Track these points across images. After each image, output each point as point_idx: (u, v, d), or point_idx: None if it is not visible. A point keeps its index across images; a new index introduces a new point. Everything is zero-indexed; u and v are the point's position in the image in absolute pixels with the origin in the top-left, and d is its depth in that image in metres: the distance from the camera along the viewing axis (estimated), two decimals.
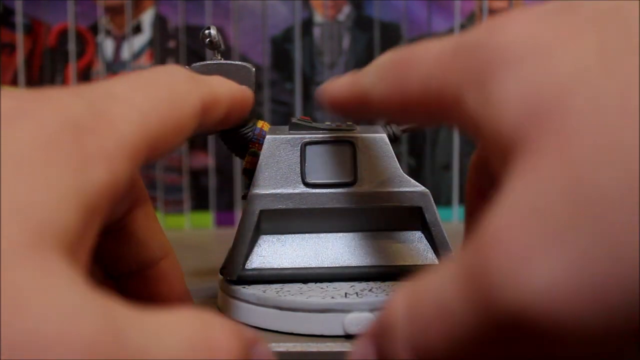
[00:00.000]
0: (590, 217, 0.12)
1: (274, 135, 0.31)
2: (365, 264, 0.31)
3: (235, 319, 0.30)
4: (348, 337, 0.27)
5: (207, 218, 0.54)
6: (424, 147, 0.55)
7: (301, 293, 0.29)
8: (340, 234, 0.32)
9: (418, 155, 0.55)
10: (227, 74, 0.31)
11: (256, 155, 0.31)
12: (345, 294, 0.29)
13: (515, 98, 0.15)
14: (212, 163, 0.54)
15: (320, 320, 0.28)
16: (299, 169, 0.31)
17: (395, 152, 0.32)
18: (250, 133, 0.31)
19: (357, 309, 0.28)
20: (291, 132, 0.31)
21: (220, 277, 0.31)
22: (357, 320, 0.27)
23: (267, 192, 0.30)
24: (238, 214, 0.55)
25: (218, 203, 0.55)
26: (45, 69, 0.53)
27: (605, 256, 0.12)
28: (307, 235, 0.31)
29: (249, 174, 0.32)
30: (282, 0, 0.54)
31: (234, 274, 0.30)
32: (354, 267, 0.31)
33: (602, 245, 0.12)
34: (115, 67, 0.54)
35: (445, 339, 0.15)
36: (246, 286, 0.30)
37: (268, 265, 0.30)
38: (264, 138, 0.31)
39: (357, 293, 0.29)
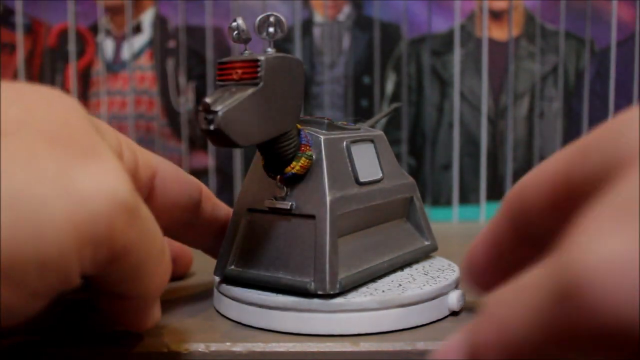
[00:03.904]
0: None
1: (328, 136, 0.30)
2: (393, 256, 0.32)
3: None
4: (347, 336, 0.27)
5: None
6: (424, 147, 0.55)
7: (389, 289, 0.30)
8: (363, 231, 0.32)
9: (418, 155, 0.55)
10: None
11: (312, 158, 0.29)
12: (399, 284, 0.30)
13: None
14: (212, 163, 0.54)
15: (430, 308, 0.29)
16: (350, 169, 0.30)
17: (395, 152, 0.32)
18: (294, 139, 0.29)
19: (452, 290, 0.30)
20: (330, 132, 0.30)
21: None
22: (458, 297, 0.30)
23: (338, 196, 0.29)
24: None
25: None
26: (45, 69, 0.53)
27: None
28: (349, 235, 0.31)
29: (295, 179, 0.29)
30: (282, 0, 0.54)
31: (334, 287, 0.28)
32: (396, 256, 0.32)
33: None
34: (115, 67, 0.54)
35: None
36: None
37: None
38: (310, 140, 0.29)
39: (410, 280, 0.30)
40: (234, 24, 0.29)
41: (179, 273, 0.36)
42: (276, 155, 0.29)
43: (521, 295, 0.17)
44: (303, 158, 0.29)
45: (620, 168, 0.18)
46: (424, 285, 0.30)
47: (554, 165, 0.21)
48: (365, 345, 0.26)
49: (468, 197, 0.55)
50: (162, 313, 0.31)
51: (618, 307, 0.14)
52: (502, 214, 0.24)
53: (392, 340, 0.27)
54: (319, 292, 0.28)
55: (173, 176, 0.29)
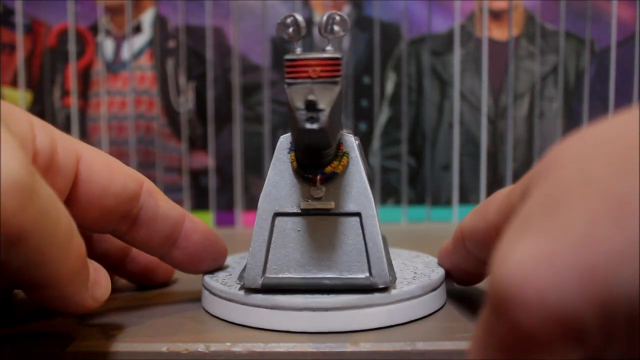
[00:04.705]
0: (554, 217, 0.17)
1: (353, 135, 0.30)
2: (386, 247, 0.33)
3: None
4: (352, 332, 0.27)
5: (207, 218, 0.54)
6: (424, 147, 0.55)
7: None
8: None
9: (418, 155, 0.55)
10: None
11: (350, 157, 0.29)
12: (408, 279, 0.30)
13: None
14: (212, 163, 0.54)
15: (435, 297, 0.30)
16: (366, 166, 0.30)
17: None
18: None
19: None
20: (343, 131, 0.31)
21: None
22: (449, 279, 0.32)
23: (371, 191, 0.30)
24: (238, 214, 0.55)
25: (218, 203, 0.55)
26: (45, 69, 0.53)
27: (566, 243, 0.16)
28: None
29: (330, 179, 0.29)
30: (282, 0, 0.54)
31: (392, 279, 0.28)
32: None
33: (563, 235, 0.16)
34: (115, 67, 0.54)
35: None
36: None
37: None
38: (341, 139, 0.29)
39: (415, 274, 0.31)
40: (290, 19, 0.27)
41: (161, 280, 0.35)
42: (320, 155, 0.28)
43: (477, 325, 0.19)
44: (345, 157, 0.28)
45: (528, 192, 0.20)
46: (433, 271, 0.31)
47: (499, 201, 0.25)
48: (365, 346, 0.26)
49: (468, 197, 0.55)
50: (155, 315, 0.30)
51: (536, 305, 0.16)
52: (457, 240, 0.29)
53: (392, 340, 0.27)
54: (381, 286, 0.28)
55: (103, 163, 0.27)
